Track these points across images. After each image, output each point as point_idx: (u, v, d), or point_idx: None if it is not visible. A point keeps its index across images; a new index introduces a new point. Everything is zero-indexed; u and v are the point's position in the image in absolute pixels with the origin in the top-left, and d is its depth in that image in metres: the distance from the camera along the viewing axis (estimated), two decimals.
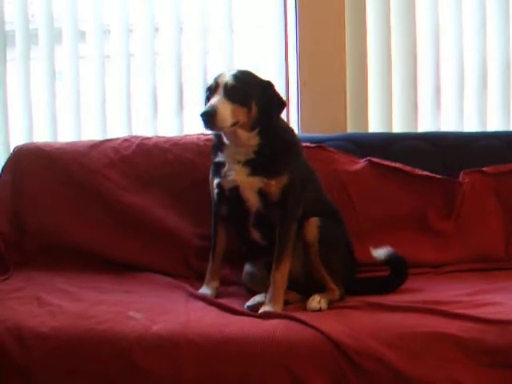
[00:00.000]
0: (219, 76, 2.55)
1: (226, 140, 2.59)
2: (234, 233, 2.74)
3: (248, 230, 2.64)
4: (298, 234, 2.58)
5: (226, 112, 2.46)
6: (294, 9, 3.58)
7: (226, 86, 2.49)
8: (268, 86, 2.61)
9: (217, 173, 2.64)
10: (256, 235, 2.64)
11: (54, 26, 3.56)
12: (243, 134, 2.55)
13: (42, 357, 2.22)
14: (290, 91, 3.66)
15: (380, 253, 2.72)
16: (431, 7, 3.69)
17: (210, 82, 2.57)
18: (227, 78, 2.51)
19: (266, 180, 2.55)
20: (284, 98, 2.74)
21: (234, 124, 2.49)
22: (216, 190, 2.65)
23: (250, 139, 2.56)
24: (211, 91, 2.53)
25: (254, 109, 2.53)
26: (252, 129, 2.55)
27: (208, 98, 2.53)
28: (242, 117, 2.51)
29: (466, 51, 3.72)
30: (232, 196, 2.60)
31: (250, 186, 2.56)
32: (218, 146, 2.65)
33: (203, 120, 2.44)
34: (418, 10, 3.69)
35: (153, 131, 3.57)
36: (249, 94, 2.53)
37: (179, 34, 3.64)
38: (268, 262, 2.57)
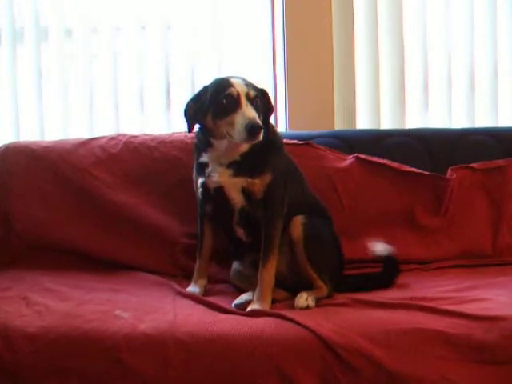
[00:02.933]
0: (233, 83, 2.50)
1: (219, 145, 2.56)
2: (221, 231, 2.73)
3: (233, 228, 2.63)
4: (284, 232, 2.58)
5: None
6: (282, 6, 3.58)
7: (248, 96, 2.48)
8: (264, 93, 2.61)
9: (201, 172, 2.63)
10: (241, 233, 2.64)
11: (40, 24, 3.55)
12: None
13: (29, 356, 2.21)
14: (277, 88, 3.66)
15: (380, 248, 2.71)
16: (419, 6, 3.70)
17: (228, 88, 2.48)
18: (245, 87, 2.49)
19: (249, 179, 2.54)
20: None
21: None
22: (200, 189, 2.64)
23: (245, 145, 2.54)
24: (232, 99, 2.47)
25: (260, 116, 2.52)
26: None
27: (227, 105, 2.47)
28: None
29: (454, 48, 3.73)
30: (216, 195, 2.59)
31: (233, 185, 2.55)
32: (202, 146, 2.64)
33: (251, 134, 2.40)
34: (406, 9, 3.69)
35: (140, 129, 3.56)
36: (260, 102, 2.53)
37: (166, 32, 3.64)
38: (255, 261, 2.56)
